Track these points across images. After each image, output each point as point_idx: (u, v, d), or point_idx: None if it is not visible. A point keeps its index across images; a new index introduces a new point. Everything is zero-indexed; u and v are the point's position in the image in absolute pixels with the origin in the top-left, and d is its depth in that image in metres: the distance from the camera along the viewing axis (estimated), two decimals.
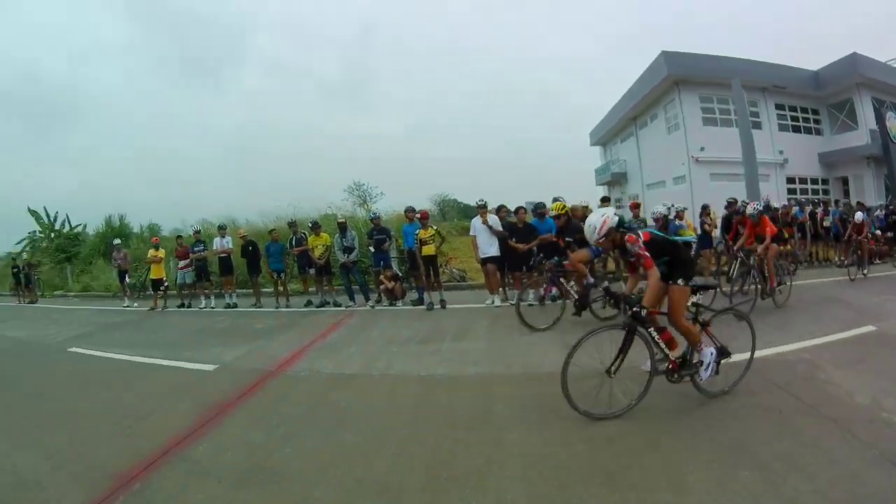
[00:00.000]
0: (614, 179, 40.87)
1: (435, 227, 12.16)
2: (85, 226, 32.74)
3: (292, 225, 14.19)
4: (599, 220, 4.97)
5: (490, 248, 11.37)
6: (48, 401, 7.18)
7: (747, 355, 5.45)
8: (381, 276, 12.41)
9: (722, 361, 5.14)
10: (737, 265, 10.07)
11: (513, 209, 12.14)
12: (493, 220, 11.45)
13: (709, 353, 5.04)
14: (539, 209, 11.50)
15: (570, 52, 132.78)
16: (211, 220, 21.37)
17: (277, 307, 13.25)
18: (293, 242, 13.52)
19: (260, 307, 13.72)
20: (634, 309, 4.75)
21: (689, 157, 28.75)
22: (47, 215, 33.52)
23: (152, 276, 15.86)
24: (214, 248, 14.76)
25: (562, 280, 9.07)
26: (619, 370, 4.86)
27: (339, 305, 12.80)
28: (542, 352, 7.35)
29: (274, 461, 4.50)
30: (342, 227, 13.00)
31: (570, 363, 4.75)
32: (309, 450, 4.66)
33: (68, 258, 28.15)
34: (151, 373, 7.99)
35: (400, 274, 13.01)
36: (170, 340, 10.35)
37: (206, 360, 8.23)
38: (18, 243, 34.84)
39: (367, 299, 12.79)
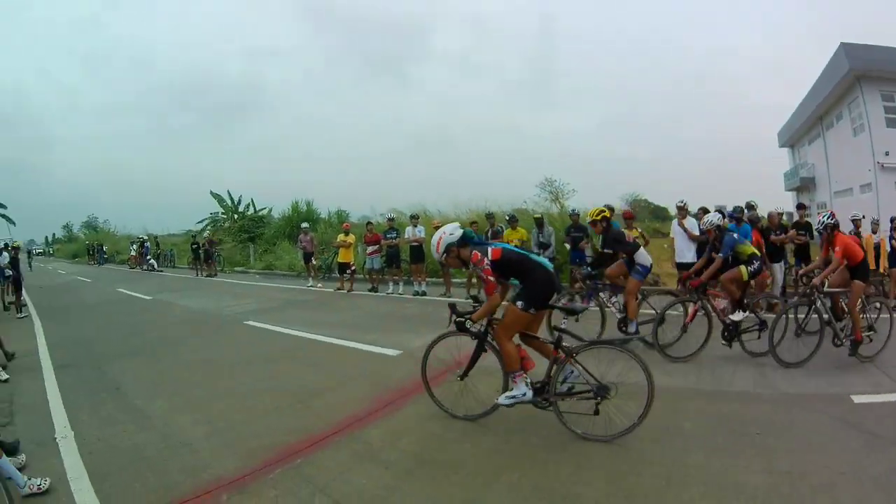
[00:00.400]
0: (803, 185, 38.72)
1: (640, 229, 11.63)
2: (270, 209, 35.43)
3: (490, 217, 14.22)
4: (436, 237, 4.98)
5: (687, 252, 10.67)
6: (217, 369, 7.73)
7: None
8: (576, 274, 11.90)
9: (602, 401, 4.60)
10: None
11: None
12: (691, 223, 10.70)
13: (523, 387, 4.75)
14: (737, 213, 10.50)
15: (758, 45, 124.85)
16: (401, 208, 22.12)
17: (467, 298, 13.14)
18: (489, 234, 13.36)
19: (449, 297, 13.61)
20: (458, 319, 4.95)
21: (874, 163, 26.29)
22: (230, 198, 36.88)
23: (340, 259, 16.87)
24: (406, 236, 15.24)
25: (601, 294, 8.58)
26: (469, 375, 5.10)
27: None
28: (733, 367, 6.72)
29: (448, 454, 4.40)
30: (539, 223, 12.98)
31: (428, 362, 5.28)
32: (487, 447, 4.50)
33: (251, 238, 30.50)
34: (331, 352, 8.29)
35: (594, 273, 12.50)
36: (354, 322, 10.72)
37: (391, 344, 8.35)
38: (200, 222, 38.95)
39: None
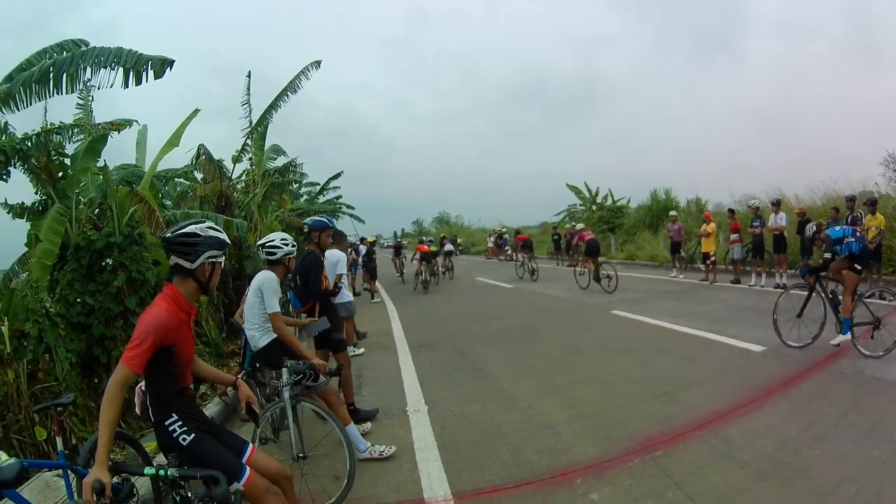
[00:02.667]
0: None
1: None
2: (629, 199, 35.68)
3: (851, 201, 13.00)
4: None
5: None
6: (585, 356, 8.29)
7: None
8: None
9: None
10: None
11: None
12: None
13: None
14: None
15: None
16: (754, 193, 20.94)
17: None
18: (849, 221, 12.27)
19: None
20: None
21: None
22: (588, 190, 37.66)
23: (703, 249, 16.72)
24: (770, 224, 14.56)
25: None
26: None
27: (883, 298, 11.22)
28: None
29: (800, 459, 4.37)
30: None
31: None
32: (835, 456, 4.38)
33: (611, 228, 30.83)
34: (697, 345, 8.48)
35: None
36: (718, 315, 10.70)
37: (754, 339, 8.29)
38: (557, 214, 40.62)
39: None
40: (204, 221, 2.99)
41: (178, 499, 2.71)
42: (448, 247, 25.90)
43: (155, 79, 6.65)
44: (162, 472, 2.49)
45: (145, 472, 2.56)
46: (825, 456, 4.39)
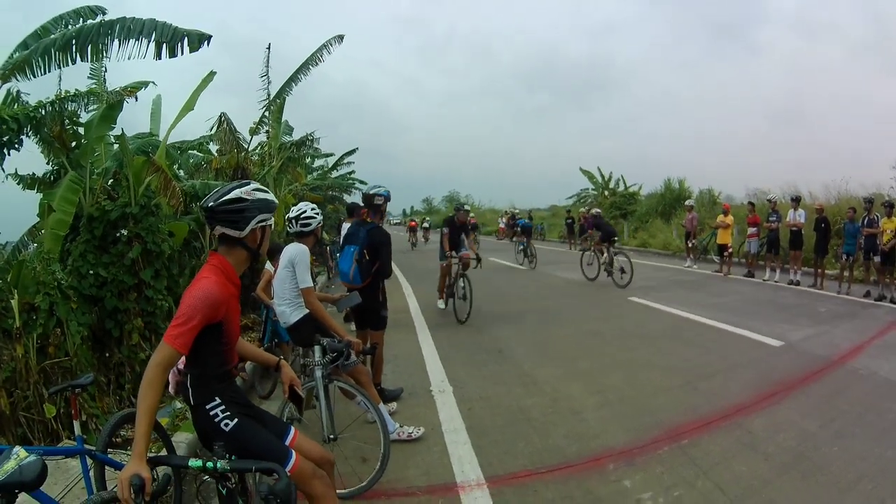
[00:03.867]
0: None
1: None
2: (641, 186, 35.85)
3: (868, 202, 13.12)
4: None
5: None
6: (606, 342, 8.53)
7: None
8: None
9: None
10: None
11: None
12: None
13: None
14: None
15: None
16: (767, 188, 21.49)
17: (839, 292, 12.57)
18: (865, 222, 12.53)
19: (820, 289, 13.30)
20: None
21: None
22: (601, 175, 37.70)
23: (718, 240, 16.98)
24: (789, 219, 14.75)
25: None
26: None
27: (894, 302, 11.38)
28: None
29: (820, 455, 4.64)
30: None
31: None
32: (854, 454, 4.66)
33: (623, 215, 31.00)
34: (716, 335, 8.76)
35: None
36: (734, 307, 10.97)
37: (772, 334, 8.60)
38: (569, 198, 41.00)
39: None
40: (249, 183, 2.74)
41: (224, 492, 2.46)
42: (426, 224, 39.81)
43: (190, 52, 6.76)
44: (210, 465, 2.23)
45: (190, 464, 2.26)
46: (844, 453, 4.65)
